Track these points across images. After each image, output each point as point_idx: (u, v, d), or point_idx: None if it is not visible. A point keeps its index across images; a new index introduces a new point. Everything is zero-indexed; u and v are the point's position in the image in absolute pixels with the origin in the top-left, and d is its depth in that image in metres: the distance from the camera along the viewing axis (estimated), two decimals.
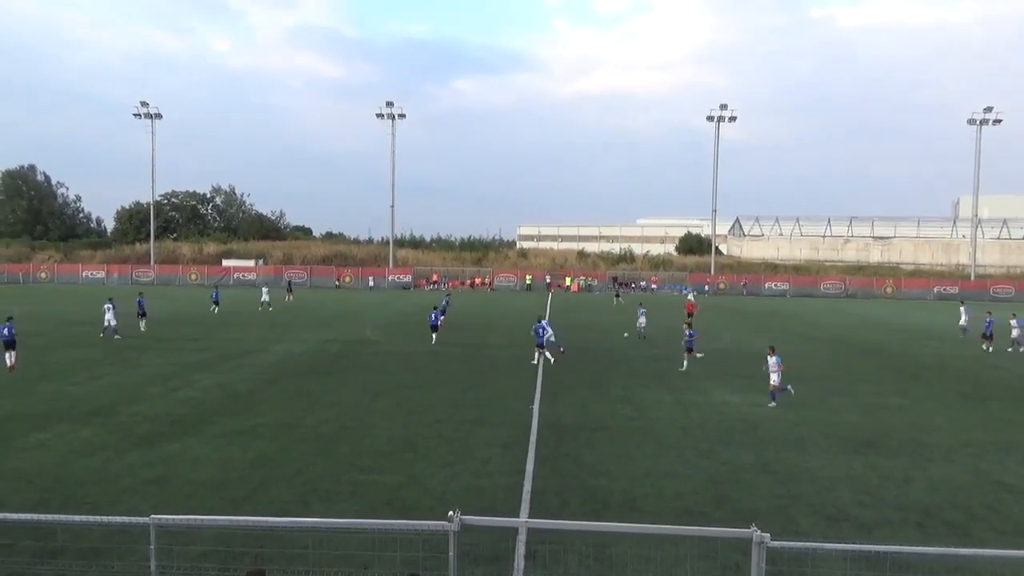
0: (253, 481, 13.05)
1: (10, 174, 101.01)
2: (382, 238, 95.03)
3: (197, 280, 75.44)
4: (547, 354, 26.14)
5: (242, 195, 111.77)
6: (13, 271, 76.95)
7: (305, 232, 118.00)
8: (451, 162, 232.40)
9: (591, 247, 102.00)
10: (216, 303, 45.67)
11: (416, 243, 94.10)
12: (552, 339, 26.97)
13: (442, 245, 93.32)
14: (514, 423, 17.51)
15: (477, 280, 75.96)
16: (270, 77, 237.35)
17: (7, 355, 23.83)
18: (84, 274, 76.90)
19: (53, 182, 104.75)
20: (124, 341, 30.96)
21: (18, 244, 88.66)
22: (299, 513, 11.27)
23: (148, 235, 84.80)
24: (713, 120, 77.35)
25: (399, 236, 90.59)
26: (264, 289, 50.03)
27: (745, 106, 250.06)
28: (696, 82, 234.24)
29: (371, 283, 59.85)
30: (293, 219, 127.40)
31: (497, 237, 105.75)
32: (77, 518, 8.44)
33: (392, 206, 78.65)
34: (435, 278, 76.52)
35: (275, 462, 14.20)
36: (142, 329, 34.32)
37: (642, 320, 35.08)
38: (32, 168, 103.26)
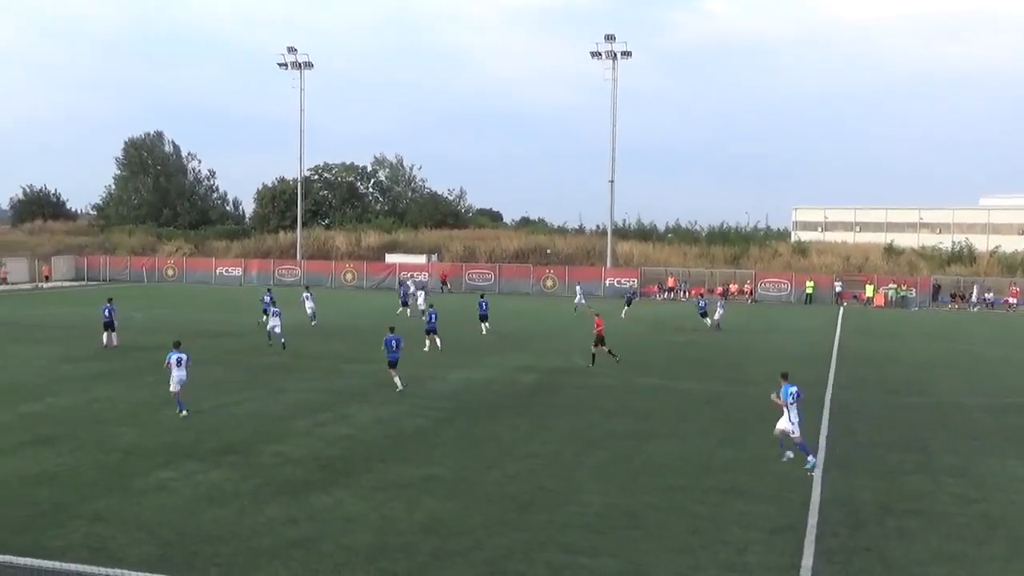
0: (421, 552, 13.71)
1: (134, 144, 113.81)
2: (597, 226, 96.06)
3: (353, 280, 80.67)
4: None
5: (411, 168, 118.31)
6: (137, 266, 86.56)
7: (493, 218, 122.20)
8: (695, 119, 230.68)
9: (906, 239, 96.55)
10: (405, 303, 52.44)
11: (644, 233, 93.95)
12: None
13: (681, 237, 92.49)
14: (785, 497, 17.08)
15: (732, 287, 74.56)
16: (449, 8, 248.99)
17: (105, 335, 35.13)
18: (217, 271, 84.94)
19: (183, 154, 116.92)
20: (266, 359, 33.79)
21: (142, 232, 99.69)
22: None
23: (294, 221, 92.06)
24: None
25: (620, 224, 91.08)
26: (421, 293, 52.22)
27: None
28: None
29: (578, 290, 60.69)
30: (477, 200, 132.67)
31: (762, 225, 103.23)
32: None
33: (611, 181, 79.30)
34: (671, 282, 76.16)
35: (449, 528, 14.83)
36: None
37: None
38: (159, 136, 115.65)
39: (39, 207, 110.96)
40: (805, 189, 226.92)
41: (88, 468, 18.34)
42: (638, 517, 15.65)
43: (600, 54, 77.32)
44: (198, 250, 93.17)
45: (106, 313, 36.60)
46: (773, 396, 19.67)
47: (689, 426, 23.24)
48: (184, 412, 23.43)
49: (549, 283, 77.48)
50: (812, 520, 15.62)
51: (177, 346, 24.60)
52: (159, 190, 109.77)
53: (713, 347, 40.54)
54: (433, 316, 37.68)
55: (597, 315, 35.73)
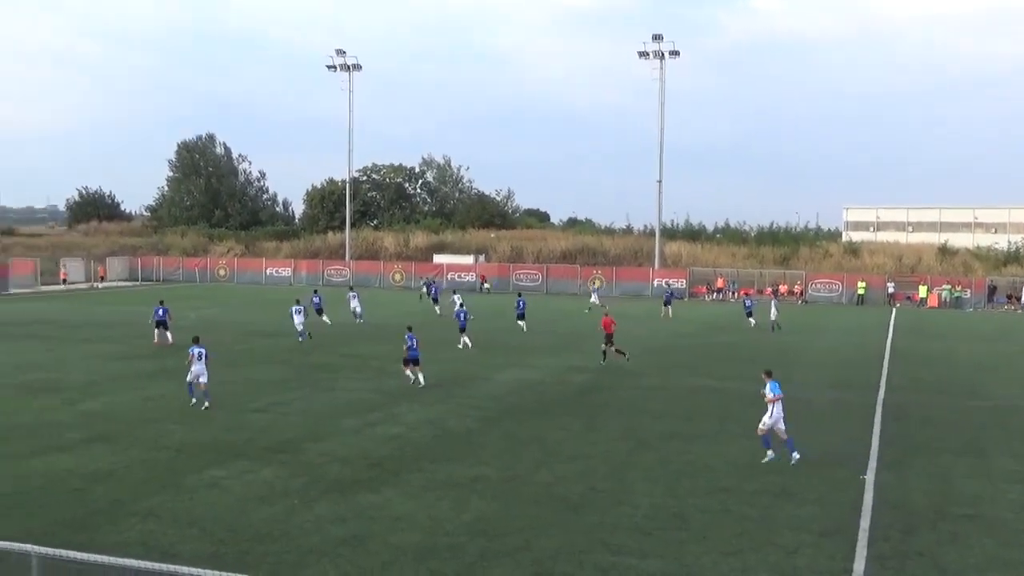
0: (469, 552, 13.79)
1: (186, 146, 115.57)
2: (644, 227, 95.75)
3: (402, 281, 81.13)
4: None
5: (459, 168, 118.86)
6: (190, 267, 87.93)
7: (540, 218, 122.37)
8: (744, 118, 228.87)
9: (961, 239, 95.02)
10: (436, 301, 53.53)
11: (693, 233, 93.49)
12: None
13: (730, 237, 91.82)
14: (835, 499, 16.92)
15: (782, 287, 73.88)
16: (497, 9, 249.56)
17: (157, 332, 37.44)
18: (268, 271, 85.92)
19: (234, 156, 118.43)
20: (316, 359, 34.14)
21: (194, 233, 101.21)
22: None
23: (343, 222, 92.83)
24: None
25: (668, 224, 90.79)
26: (455, 296, 52.19)
27: None
28: None
29: (593, 290, 60.66)
30: (524, 200, 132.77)
31: (813, 226, 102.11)
32: None
33: (659, 181, 78.94)
34: (720, 283, 75.66)
35: (497, 529, 14.91)
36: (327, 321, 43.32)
37: None
38: (211, 139, 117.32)
39: (94, 208, 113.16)
40: (856, 188, 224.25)
41: (142, 465, 18.68)
42: (686, 519, 15.61)
43: (648, 54, 77.02)
44: (249, 251, 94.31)
45: (159, 313, 38.27)
46: (764, 393, 19.78)
47: (737, 427, 23.11)
48: (194, 401, 24.67)
49: (597, 284, 77.28)
50: (864, 523, 15.46)
51: (196, 341, 25.43)
52: (211, 192, 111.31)
53: (762, 348, 40.20)
54: (463, 314, 38.70)
55: (607, 315, 35.91)
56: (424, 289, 62.13)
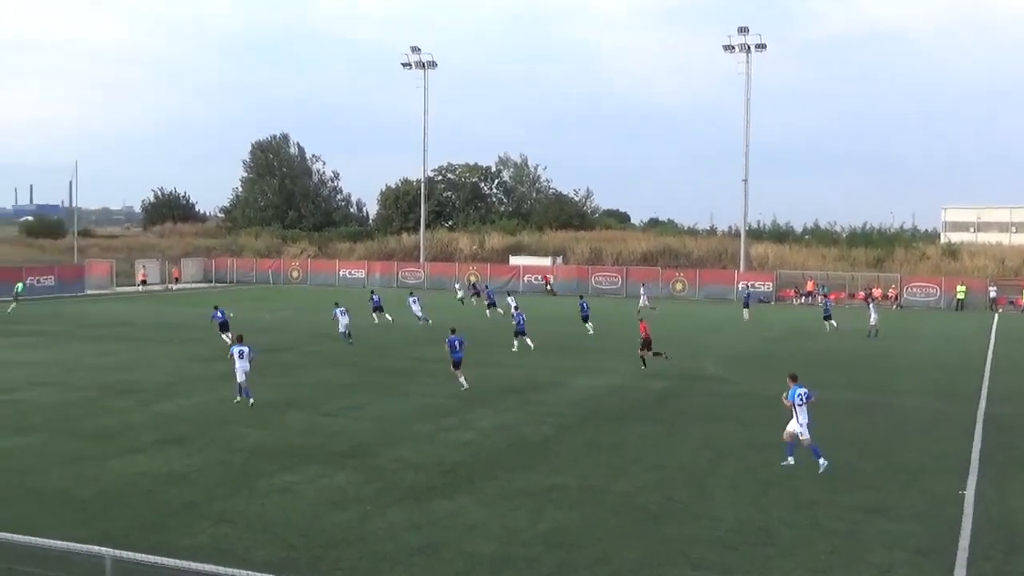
0: (545, 563, 13.77)
1: (260, 146, 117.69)
2: (729, 228, 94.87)
3: (478, 282, 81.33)
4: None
5: (536, 168, 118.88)
6: (263, 268, 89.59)
7: (620, 218, 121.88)
8: (834, 113, 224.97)
9: None
10: (492, 304, 54.33)
11: (780, 235, 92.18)
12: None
13: (820, 238, 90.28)
14: (932, 515, 16.52)
15: (876, 291, 72.39)
16: (577, 4, 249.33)
17: (223, 336, 38.07)
18: (341, 273, 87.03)
19: (307, 156, 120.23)
20: (389, 363, 34.49)
21: (268, 234, 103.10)
22: None
23: (417, 223, 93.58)
24: None
25: (754, 225, 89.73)
26: (509, 299, 52.31)
27: None
28: None
29: (643, 292, 60.16)
30: (604, 201, 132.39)
31: (908, 226, 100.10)
32: None
33: (745, 180, 78.03)
34: (810, 286, 74.43)
35: (575, 540, 14.85)
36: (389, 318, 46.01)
37: None
38: (285, 138, 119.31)
39: (169, 209, 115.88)
40: (955, 188, 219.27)
41: (215, 468, 19.06)
42: (772, 533, 15.37)
43: (733, 47, 76.23)
44: (322, 252, 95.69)
45: (219, 314, 40.22)
46: (783, 398, 19.70)
47: (827, 437, 22.69)
48: (251, 400, 25.54)
49: (679, 286, 76.69)
50: (963, 542, 15.04)
51: (240, 340, 26.97)
52: (284, 192, 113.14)
53: (854, 354, 39.48)
54: (522, 318, 39.03)
55: (642, 320, 36.15)
56: (460, 293, 63.26)
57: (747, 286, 70.63)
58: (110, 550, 9.26)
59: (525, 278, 79.57)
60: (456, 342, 29.04)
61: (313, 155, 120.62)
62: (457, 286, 65.80)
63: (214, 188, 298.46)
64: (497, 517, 15.97)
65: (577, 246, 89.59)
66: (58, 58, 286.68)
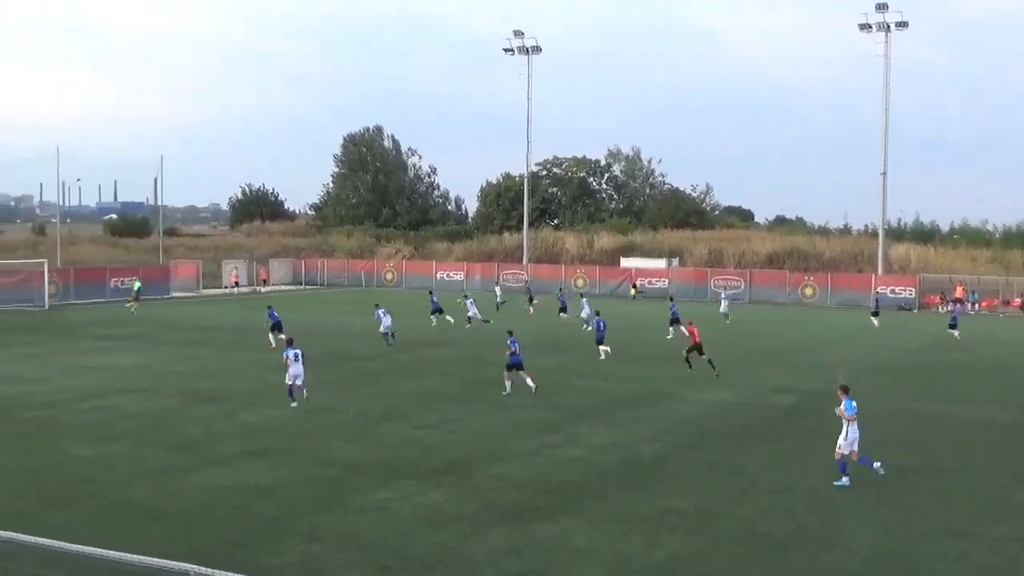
0: None
1: (352, 140, 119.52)
2: (865, 226, 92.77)
3: (584, 287, 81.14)
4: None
5: (650, 161, 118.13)
6: (356, 270, 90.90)
7: (743, 216, 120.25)
8: (985, 100, 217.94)
9: None
10: (564, 309, 55.29)
11: (924, 234, 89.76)
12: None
13: (970, 238, 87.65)
14: None
15: None
16: None
17: (271, 336, 40.59)
18: (438, 275, 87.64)
19: (403, 149, 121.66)
20: (489, 371, 34.62)
21: (361, 233, 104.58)
22: None
23: (520, 221, 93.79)
24: None
25: (894, 224, 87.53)
26: (584, 307, 51.77)
27: None
28: None
29: (724, 297, 58.94)
30: (725, 197, 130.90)
31: None
32: None
33: (883, 173, 76.20)
34: (959, 291, 72.30)
35: (692, 569, 14.72)
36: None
37: None
38: (378, 131, 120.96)
39: (257, 207, 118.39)
40: None
41: (304, 483, 19.38)
42: (913, 566, 14.98)
43: (870, 26, 74.58)
44: (418, 252, 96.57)
45: (275, 315, 42.39)
46: (838, 411, 20.09)
47: (977, 460, 22.02)
48: (295, 404, 27.01)
49: (808, 291, 75.29)
50: None
51: (290, 343, 28.26)
52: (378, 188, 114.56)
53: (1010, 368, 38.19)
54: (602, 325, 39.01)
55: (691, 323, 36.20)
56: (499, 296, 63.93)
57: (877, 292, 69.04)
58: (196, 567, 9.48)
59: (638, 281, 78.87)
60: (516, 344, 30.06)
61: (409, 149, 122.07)
62: (497, 289, 66.65)
63: (304, 184, 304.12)
64: (607, 542, 15.88)
65: (695, 247, 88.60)
66: (142, 49, 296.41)
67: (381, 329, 42.83)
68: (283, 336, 39.50)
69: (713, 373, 33.88)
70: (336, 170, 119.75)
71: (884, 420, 27.14)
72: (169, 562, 9.34)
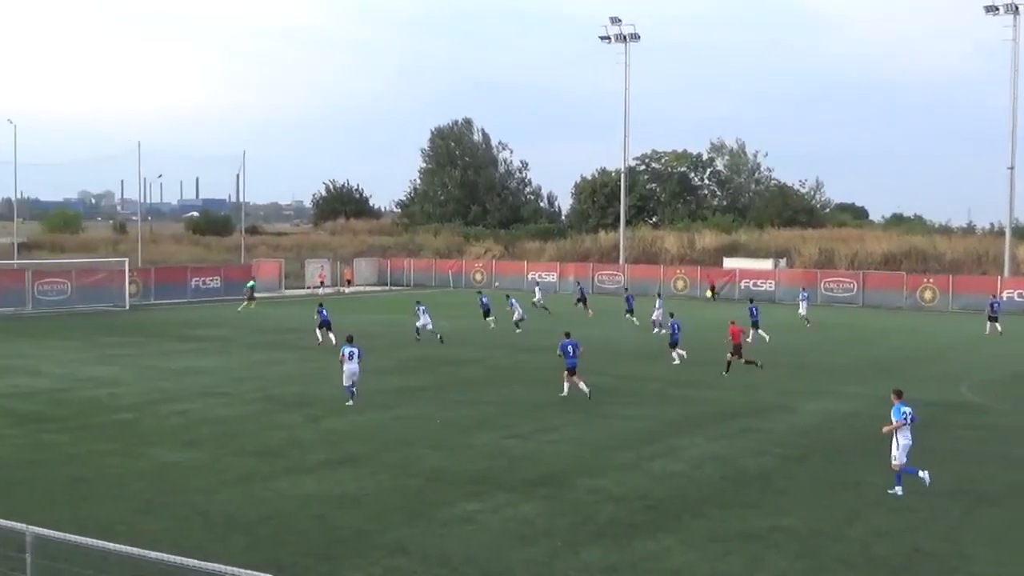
0: None
1: (440, 134, 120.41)
2: (991, 225, 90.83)
3: (685, 289, 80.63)
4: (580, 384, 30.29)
5: (755, 155, 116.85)
6: (443, 270, 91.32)
7: (856, 214, 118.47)
8: None
9: None
10: (631, 311, 55.31)
11: None
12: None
13: None
14: None
15: None
16: None
17: (318, 332, 43.73)
18: (530, 275, 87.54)
19: (493, 143, 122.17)
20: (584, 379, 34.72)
21: (448, 232, 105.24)
22: None
23: (616, 219, 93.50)
24: None
25: (1023, 222, 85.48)
26: (659, 307, 51.28)
27: None
28: None
29: (803, 298, 57.54)
30: (837, 193, 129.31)
31: None
32: None
33: (1011, 168, 74.50)
34: None
35: None
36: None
37: None
38: (468, 124, 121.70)
39: (341, 204, 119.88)
40: None
41: (390, 493, 19.66)
42: None
43: (996, 8, 72.81)
44: (508, 252, 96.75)
45: (324, 313, 44.90)
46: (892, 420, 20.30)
47: None
48: (351, 402, 28.68)
49: (928, 295, 73.77)
50: None
51: (350, 340, 29.65)
52: (467, 184, 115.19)
53: None
54: (677, 327, 39.46)
55: (733, 321, 37.22)
56: (537, 295, 64.41)
57: (997, 295, 67.30)
58: None
59: (742, 283, 78.13)
60: (570, 346, 30.66)
61: (499, 143, 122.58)
62: (537, 290, 66.52)
63: (390, 181, 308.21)
64: (707, 562, 15.81)
65: (804, 246, 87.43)
66: (223, 41, 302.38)
67: (417, 323, 45.50)
68: (332, 335, 43.09)
69: (756, 366, 35.42)
70: (423, 165, 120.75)
71: (1015, 436, 26.60)
72: (253, 572, 9.56)
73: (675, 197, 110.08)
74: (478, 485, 20.25)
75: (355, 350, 28.85)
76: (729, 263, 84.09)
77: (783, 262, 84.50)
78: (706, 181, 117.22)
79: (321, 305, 47.18)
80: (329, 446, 23.77)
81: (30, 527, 10.23)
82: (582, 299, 63.99)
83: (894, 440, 20.09)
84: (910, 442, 20.07)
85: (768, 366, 36.48)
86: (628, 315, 55.52)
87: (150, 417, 27.46)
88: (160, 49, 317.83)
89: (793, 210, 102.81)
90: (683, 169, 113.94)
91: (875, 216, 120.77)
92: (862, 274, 77.84)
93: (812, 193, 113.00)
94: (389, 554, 15.85)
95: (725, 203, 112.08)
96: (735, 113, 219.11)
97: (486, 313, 52.52)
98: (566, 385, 30.76)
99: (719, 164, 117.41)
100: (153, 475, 20.93)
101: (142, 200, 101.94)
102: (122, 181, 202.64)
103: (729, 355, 35.63)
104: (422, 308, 46.08)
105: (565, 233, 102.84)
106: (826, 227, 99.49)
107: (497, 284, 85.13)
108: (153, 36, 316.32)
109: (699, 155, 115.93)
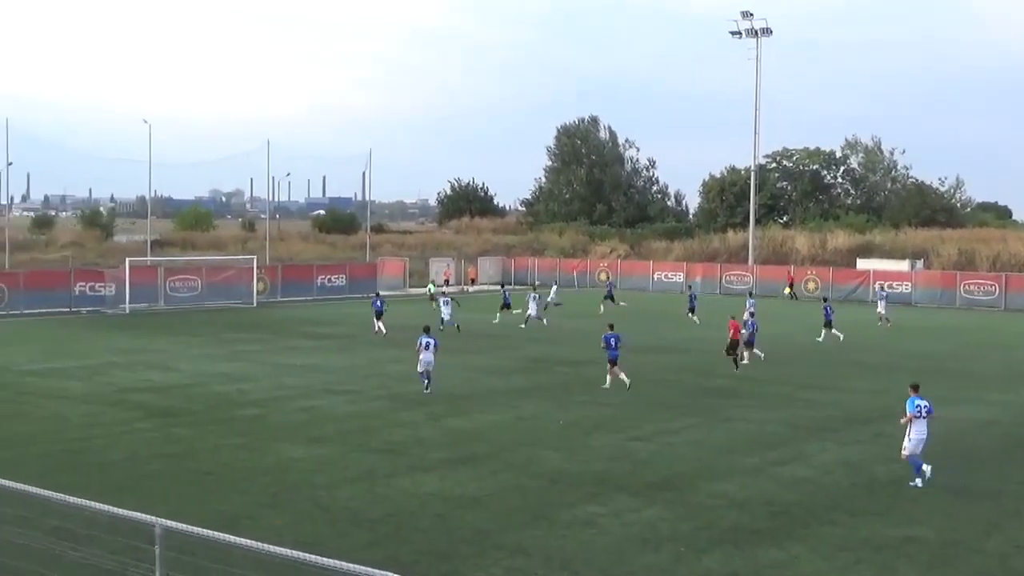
0: None
1: (566, 131, 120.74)
2: None
3: (816, 290, 79.09)
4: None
5: (892, 152, 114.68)
6: (568, 270, 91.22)
7: (999, 214, 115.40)
8: None
9: None
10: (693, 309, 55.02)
11: None
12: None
13: None
14: None
15: None
16: None
17: (375, 322, 46.95)
18: (655, 276, 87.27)
19: (620, 141, 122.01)
20: (711, 382, 34.37)
21: (573, 231, 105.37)
22: None
23: (746, 218, 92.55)
24: None
25: None
26: (750, 307, 49.78)
27: None
28: None
29: (882, 302, 55.89)
30: (978, 192, 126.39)
31: None
32: None
33: None
34: None
35: None
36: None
37: None
38: (594, 122, 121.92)
39: (466, 203, 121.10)
40: None
41: (511, 494, 19.78)
42: None
43: None
44: (634, 252, 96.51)
45: (377, 304, 48.03)
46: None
47: None
48: (428, 391, 30.29)
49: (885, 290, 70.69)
50: None
51: (427, 331, 31.35)
52: (592, 183, 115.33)
53: None
54: (755, 326, 39.39)
55: (732, 317, 38.34)
56: (552, 295, 62.56)
57: None
58: None
59: (875, 286, 76.33)
60: (612, 339, 31.87)
61: (626, 140, 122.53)
62: (554, 288, 66.06)
63: (515, 179, 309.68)
64: (836, 571, 15.58)
65: (942, 247, 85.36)
66: (351, 42, 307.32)
67: (440, 315, 48.02)
68: (381, 324, 46.26)
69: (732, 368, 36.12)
70: (549, 164, 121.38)
71: None
72: (374, 571, 9.69)
73: (807, 196, 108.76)
74: (600, 487, 20.26)
75: (432, 340, 30.50)
76: (863, 264, 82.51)
77: (920, 263, 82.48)
78: (839, 179, 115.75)
79: (377, 295, 50.68)
80: (450, 445, 24.02)
81: (159, 520, 10.51)
82: (608, 296, 63.59)
83: (906, 433, 20.85)
84: (924, 436, 20.73)
85: (899, 370, 35.67)
86: (689, 314, 54.58)
87: (276, 413, 28.14)
88: (289, 51, 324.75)
89: (931, 209, 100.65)
90: (815, 167, 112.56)
91: (1019, 216, 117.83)
92: (1004, 276, 75.39)
93: (952, 192, 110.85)
94: (510, 555, 15.95)
95: (859, 202, 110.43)
96: (870, 109, 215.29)
97: (505, 307, 54.09)
98: (608, 377, 32.03)
99: (853, 162, 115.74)
100: (278, 470, 21.45)
101: (270, 198, 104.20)
102: (251, 179, 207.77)
103: (726, 351, 36.83)
104: (444, 299, 49.29)
105: (692, 232, 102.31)
106: (966, 227, 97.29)
107: (623, 285, 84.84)
108: (282, 38, 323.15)
109: (832, 152, 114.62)
